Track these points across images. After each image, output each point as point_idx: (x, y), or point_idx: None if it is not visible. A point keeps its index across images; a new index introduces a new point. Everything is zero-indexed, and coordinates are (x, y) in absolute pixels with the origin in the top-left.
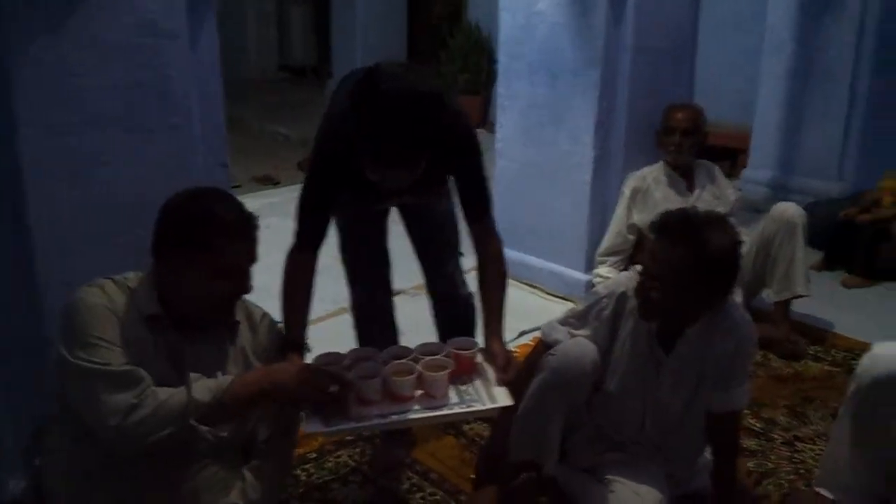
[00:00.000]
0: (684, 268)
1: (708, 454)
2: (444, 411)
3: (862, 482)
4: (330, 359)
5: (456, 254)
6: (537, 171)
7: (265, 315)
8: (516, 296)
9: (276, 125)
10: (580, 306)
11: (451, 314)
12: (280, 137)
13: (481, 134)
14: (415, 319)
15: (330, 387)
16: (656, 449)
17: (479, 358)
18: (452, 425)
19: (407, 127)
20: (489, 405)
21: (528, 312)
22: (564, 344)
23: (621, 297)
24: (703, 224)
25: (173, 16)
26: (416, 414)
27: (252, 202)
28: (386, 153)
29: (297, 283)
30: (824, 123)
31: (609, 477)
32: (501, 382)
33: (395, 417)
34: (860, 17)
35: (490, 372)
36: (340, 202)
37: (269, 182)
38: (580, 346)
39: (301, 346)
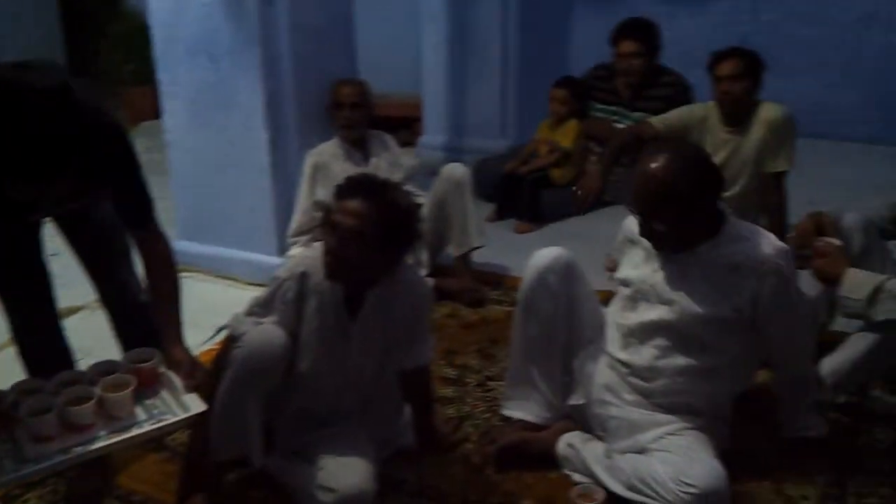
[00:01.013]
0: (374, 221)
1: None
2: (134, 432)
3: (538, 393)
4: None
5: (128, 259)
6: (214, 158)
7: None
8: (212, 290)
9: None
10: (264, 294)
11: (134, 324)
12: None
13: (157, 125)
14: (99, 337)
15: None
16: (359, 416)
17: (162, 368)
18: (152, 440)
19: (26, 133)
20: (181, 415)
21: (226, 306)
22: (249, 334)
23: (302, 277)
24: (384, 185)
25: None
26: (102, 441)
27: None
28: (7, 167)
29: None
30: (484, 85)
31: (318, 455)
32: (190, 389)
33: (78, 450)
34: None
35: (176, 380)
36: None
37: None
38: (265, 333)
39: None
